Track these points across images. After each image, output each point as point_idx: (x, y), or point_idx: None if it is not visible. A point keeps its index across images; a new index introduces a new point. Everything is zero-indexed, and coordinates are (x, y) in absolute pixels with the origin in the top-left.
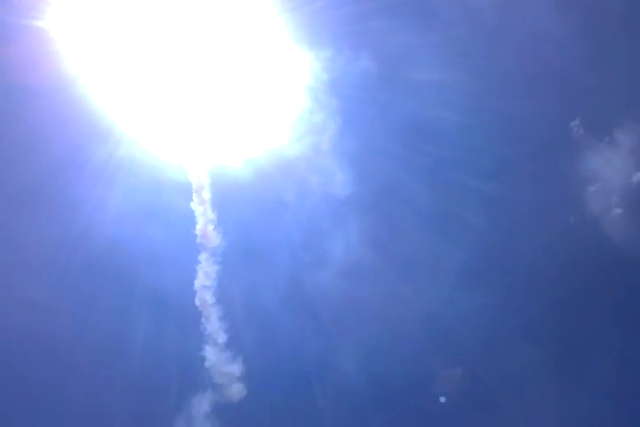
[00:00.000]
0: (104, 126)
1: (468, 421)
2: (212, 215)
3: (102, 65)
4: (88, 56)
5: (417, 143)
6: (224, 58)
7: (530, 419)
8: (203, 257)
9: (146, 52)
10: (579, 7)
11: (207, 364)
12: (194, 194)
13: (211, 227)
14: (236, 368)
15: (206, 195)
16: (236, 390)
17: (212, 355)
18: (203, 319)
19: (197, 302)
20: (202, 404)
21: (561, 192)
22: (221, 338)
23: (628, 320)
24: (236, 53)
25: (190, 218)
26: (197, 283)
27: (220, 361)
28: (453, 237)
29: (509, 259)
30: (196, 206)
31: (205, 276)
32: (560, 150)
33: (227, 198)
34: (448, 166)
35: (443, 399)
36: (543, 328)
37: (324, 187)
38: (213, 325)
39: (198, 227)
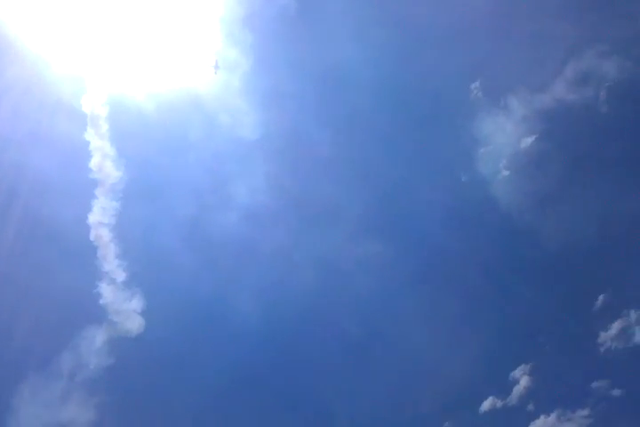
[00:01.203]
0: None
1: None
2: (110, 149)
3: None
4: None
5: (328, 90)
6: None
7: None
8: (99, 192)
9: None
10: None
11: (102, 301)
12: (88, 124)
13: (109, 161)
14: (132, 305)
15: (104, 126)
16: (133, 326)
17: (107, 291)
18: (98, 255)
19: (92, 237)
20: (96, 339)
21: (455, 151)
22: (117, 275)
23: (504, 272)
24: None
25: (84, 149)
26: (92, 218)
27: (116, 298)
28: (355, 187)
29: (402, 210)
30: (91, 138)
31: (102, 212)
32: (458, 110)
33: (127, 132)
34: (356, 115)
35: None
36: (429, 277)
37: (231, 127)
38: (110, 262)
39: (94, 160)
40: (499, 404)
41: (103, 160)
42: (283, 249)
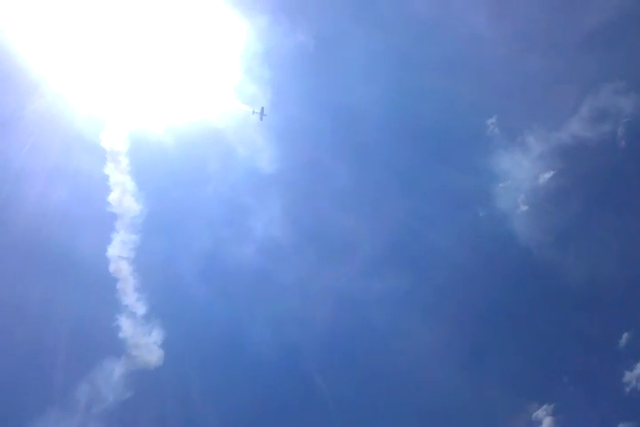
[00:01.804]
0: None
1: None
2: (129, 183)
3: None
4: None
5: (344, 125)
6: (160, 23)
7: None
8: (119, 225)
9: (84, 15)
10: (505, 7)
11: (121, 334)
12: (108, 159)
13: (128, 195)
14: (151, 339)
15: (123, 161)
16: (152, 359)
17: (125, 324)
18: (118, 288)
19: (112, 270)
20: (114, 372)
21: (473, 186)
22: (136, 307)
23: (524, 309)
24: (172, 18)
25: (103, 184)
26: (111, 251)
27: (135, 331)
28: (372, 221)
29: (420, 244)
30: (110, 172)
31: (122, 244)
32: (475, 146)
33: (146, 166)
34: (372, 150)
35: None
36: (448, 312)
37: (249, 161)
38: (128, 294)
39: (114, 194)
40: None
41: (122, 194)
42: (299, 282)
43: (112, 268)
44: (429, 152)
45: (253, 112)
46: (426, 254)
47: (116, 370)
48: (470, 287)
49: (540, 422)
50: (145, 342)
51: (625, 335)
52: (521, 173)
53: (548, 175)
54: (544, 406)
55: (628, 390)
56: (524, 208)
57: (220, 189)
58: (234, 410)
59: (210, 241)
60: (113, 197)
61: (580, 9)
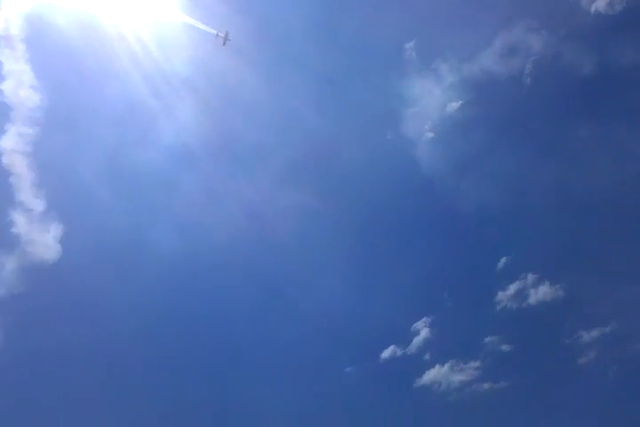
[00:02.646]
0: None
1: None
2: (28, 73)
3: None
4: None
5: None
6: None
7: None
8: (15, 116)
9: None
10: None
11: (15, 230)
12: (1, 44)
13: (26, 85)
14: (48, 235)
15: (20, 47)
16: (48, 256)
17: (20, 220)
18: (12, 182)
19: (5, 163)
20: (6, 266)
21: (384, 108)
22: (33, 204)
23: (416, 228)
24: None
25: None
26: (5, 143)
27: (31, 226)
28: (282, 136)
29: (330, 162)
30: (5, 59)
31: (18, 137)
32: (390, 69)
33: (47, 55)
34: (291, 64)
35: None
36: (347, 228)
37: (163, 62)
38: (24, 190)
39: (8, 83)
40: (399, 352)
41: (19, 84)
42: (204, 190)
43: (6, 161)
44: (345, 70)
45: (217, 35)
46: (332, 171)
47: (8, 265)
48: (372, 206)
49: (418, 332)
50: (41, 238)
51: (503, 259)
52: (431, 101)
53: (456, 105)
54: (423, 319)
55: (498, 308)
56: (430, 135)
57: (129, 87)
58: (130, 307)
59: (114, 140)
60: (7, 87)
61: None
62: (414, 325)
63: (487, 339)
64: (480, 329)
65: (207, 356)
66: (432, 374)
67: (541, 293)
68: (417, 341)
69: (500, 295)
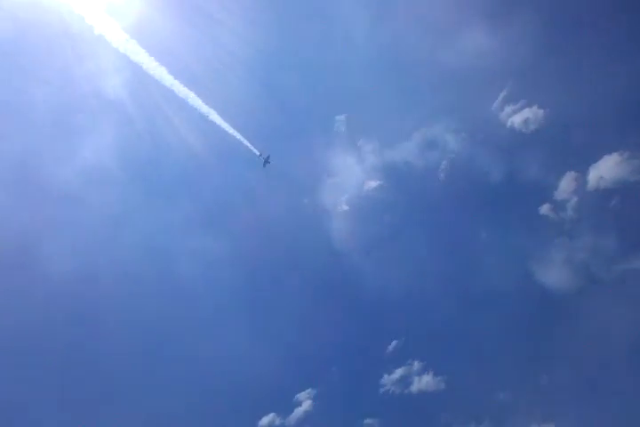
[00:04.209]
0: None
1: None
2: None
3: None
4: None
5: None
6: None
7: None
8: None
9: None
10: None
11: None
12: None
13: None
14: None
15: None
16: None
17: None
18: None
19: None
20: None
21: (305, 173)
22: None
23: (317, 297)
24: None
25: None
26: None
27: None
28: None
29: (244, 215)
30: None
31: None
32: (319, 138)
33: None
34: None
35: None
36: (249, 288)
37: None
38: None
39: None
40: (278, 421)
41: None
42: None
43: None
44: (275, 130)
45: (260, 156)
46: (243, 223)
47: None
48: (274, 268)
49: (300, 403)
50: None
51: (394, 343)
52: (351, 175)
53: (374, 184)
54: (308, 390)
55: (382, 390)
56: (345, 208)
57: None
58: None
59: None
60: None
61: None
62: (298, 395)
63: (366, 420)
64: (361, 409)
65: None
66: None
67: (424, 381)
68: (298, 412)
69: (386, 378)
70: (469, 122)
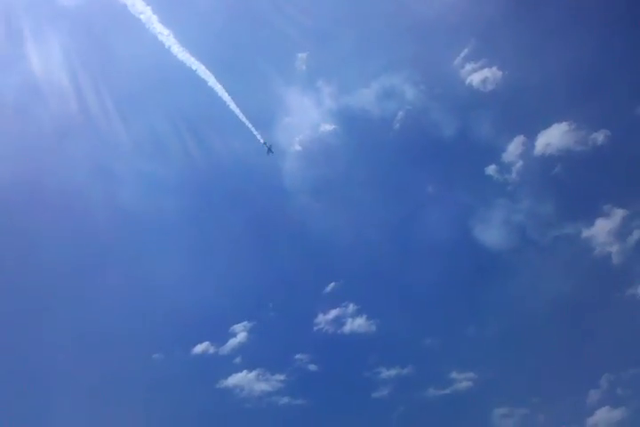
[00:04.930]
0: None
1: None
2: None
3: None
4: None
5: None
6: None
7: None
8: None
9: None
10: None
11: None
12: None
13: None
14: None
15: None
16: None
17: None
18: None
19: None
20: None
21: (262, 110)
22: None
23: (261, 233)
24: None
25: None
26: None
27: None
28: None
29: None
30: None
31: None
32: (278, 74)
33: None
34: None
35: None
36: (198, 221)
37: None
38: None
39: None
40: (211, 350)
41: None
42: None
43: None
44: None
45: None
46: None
47: None
48: (224, 202)
49: (235, 334)
50: None
51: (332, 284)
52: (307, 117)
53: (328, 128)
54: (244, 322)
55: (315, 328)
56: (298, 148)
57: None
58: None
59: None
60: None
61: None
62: (233, 326)
63: (297, 356)
64: (294, 345)
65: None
66: (237, 378)
67: (357, 324)
68: (232, 342)
69: (320, 318)
70: (429, 75)
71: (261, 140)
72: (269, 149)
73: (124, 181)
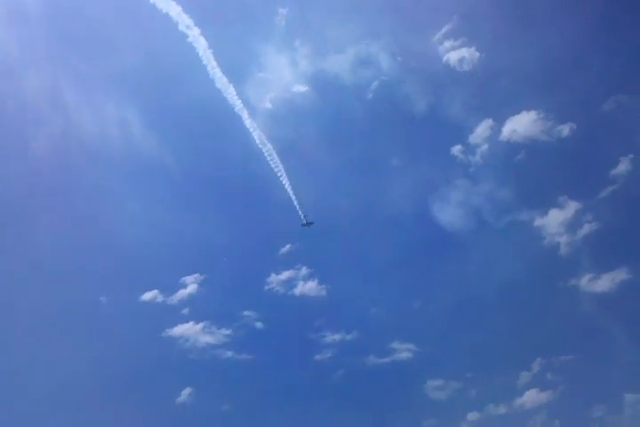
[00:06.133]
0: None
1: None
2: None
3: None
4: None
5: None
6: None
7: None
8: None
9: None
10: None
11: None
12: None
13: None
14: None
15: None
16: None
17: None
18: None
19: None
20: None
21: (229, 65)
22: None
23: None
24: None
25: None
26: None
27: None
28: None
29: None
30: None
31: None
32: (255, 28)
33: None
34: None
35: None
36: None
37: None
38: None
39: None
40: (160, 299)
41: None
42: None
43: None
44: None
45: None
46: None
47: None
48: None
49: (185, 285)
50: None
51: (288, 246)
52: (281, 75)
53: (302, 88)
54: (195, 275)
55: (266, 288)
56: (269, 106)
57: None
58: None
59: None
60: None
61: None
62: (184, 278)
63: (246, 312)
64: (243, 301)
65: None
66: (183, 329)
67: (308, 287)
68: (182, 293)
69: (273, 278)
70: (407, 48)
71: (301, 216)
72: (307, 223)
73: (91, 116)
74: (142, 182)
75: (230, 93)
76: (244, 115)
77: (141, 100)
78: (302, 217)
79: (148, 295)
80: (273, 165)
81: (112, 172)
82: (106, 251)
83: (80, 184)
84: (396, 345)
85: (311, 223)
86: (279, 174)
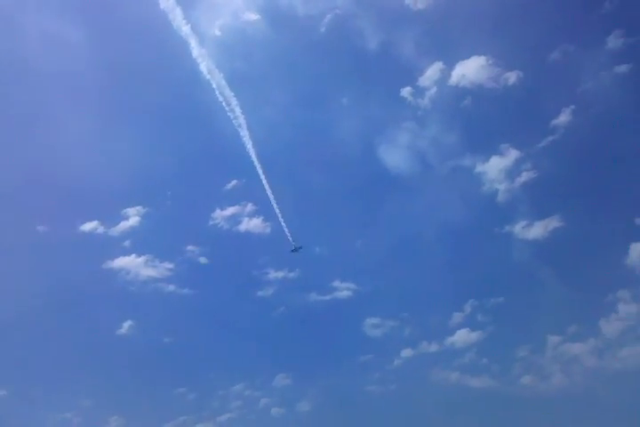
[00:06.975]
0: None
1: None
2: None
3: None
4: None
5: None
6: None
7: None
8: None
9: None
10: None
11: None
12: None
13: None
14: None
15: None
16: None
17: None
18: None
19: None
20: None
21: None
22: None
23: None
24: None
25: None
26: None
27: None
28: None
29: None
30: None
31: None
32: None
33: None
34: None
35: None
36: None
37: None
38: None
39: None
40: (100, 230)
41: None
42: None
43: None
44: None
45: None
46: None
47: None
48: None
49: (127, 217)
50: None
51: (234, 182)
52: (231, 2)
53: (253, 17)
54: (138, 207)
55: (211, 223)
56: (218, 33)
57: None
58: None
59: None
60: None
61: None
62: (126, 209)
63: (189, 247)
64: (187, 236)
65: None
66: (124, 262)
67: (253, 224)
68: (123, 225)
69: (217, 213)
70: None
71: (291, 241)
72: (295, 249)
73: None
74: (83, 106)
75: (177, 16)
76: (192, 41)
77: (81, 20)
78: (292, 242)
79: (87, 226)
80: (221, 98)
81: (48, 93)
82: (42, 178)
83: (11, 104)
84: (337, 284)
85: (300, 248)
86: (227, 109)
